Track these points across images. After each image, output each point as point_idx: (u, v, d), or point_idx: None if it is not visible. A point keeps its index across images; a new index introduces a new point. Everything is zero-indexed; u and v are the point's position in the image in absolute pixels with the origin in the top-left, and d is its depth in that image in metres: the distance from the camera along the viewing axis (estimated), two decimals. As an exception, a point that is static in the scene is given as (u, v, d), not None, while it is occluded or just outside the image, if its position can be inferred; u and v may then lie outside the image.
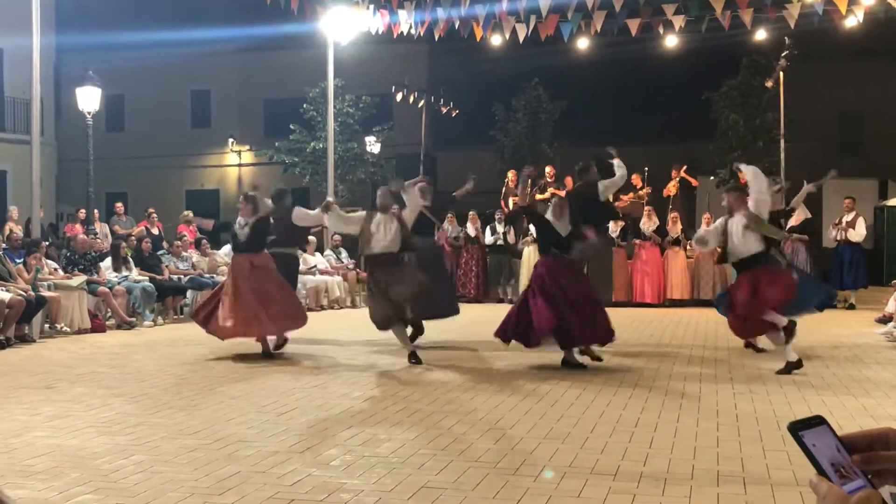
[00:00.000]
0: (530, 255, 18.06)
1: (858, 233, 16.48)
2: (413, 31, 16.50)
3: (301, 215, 11.15)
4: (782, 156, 21.69)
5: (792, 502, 4.64)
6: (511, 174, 20.46)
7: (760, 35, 18.05)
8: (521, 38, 15.80)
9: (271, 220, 10.67)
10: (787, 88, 21.87)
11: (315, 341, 11.58)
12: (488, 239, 18.66)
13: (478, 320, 13.35)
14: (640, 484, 5.00)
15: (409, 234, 10.03)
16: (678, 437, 6.16)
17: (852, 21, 15.29)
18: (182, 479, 5.10)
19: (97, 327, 13.01)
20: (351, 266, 18.54)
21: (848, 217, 16.57)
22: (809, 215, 16.91)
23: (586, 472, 5.23)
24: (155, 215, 18.49)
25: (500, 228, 18.56)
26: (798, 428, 1.19)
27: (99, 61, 23.01)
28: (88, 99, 17.44)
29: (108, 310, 13.65)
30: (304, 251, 16.03)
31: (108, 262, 14.40)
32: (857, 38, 18.11)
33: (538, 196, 19.42)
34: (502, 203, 19.72)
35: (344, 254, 18.82)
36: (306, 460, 5.52)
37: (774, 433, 6.07)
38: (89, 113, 17.38)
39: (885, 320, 12.67)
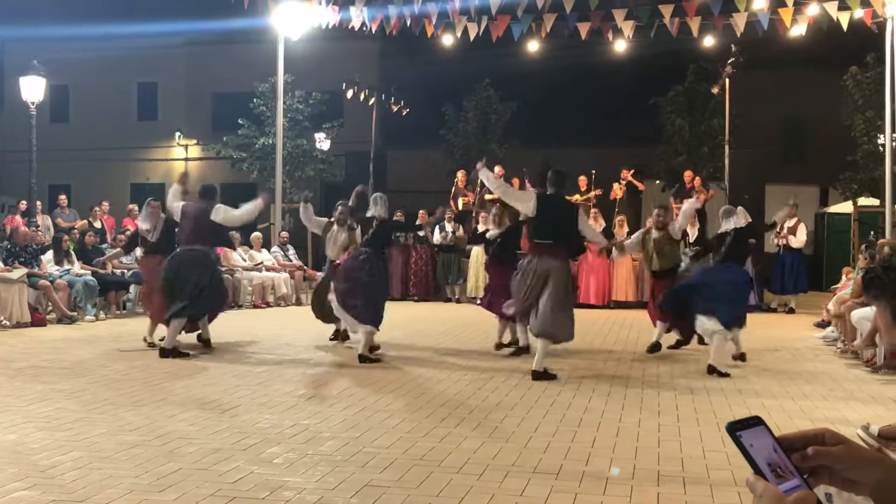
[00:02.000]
0: (478, 255, 18.10)
1: (799, 239, 16.75)
2: (365, 28, 16.46)
3: (231, 217, 10.56)
4: (727, 161, 22.03)
5: (730, 501, 4.72)
6: (461, 174, 20.48)
7: (708, 42, 18.30)
8: (472, 36, 15.84)
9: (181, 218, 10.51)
10: (733, 95, 22.20)
11: (260, 338, 11.50)
12: (436, 238, 18.66)
13: (425, 319, 13.37)
14: (582, 483, 5.05)
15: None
16: (620, 437, 6.22)
17: (797, 31, 15.57)
18: (121, 475, 5.03)
19: (37, 321, 12.77)
20: (298, 263, 18.44)
21: (790, 223, 16.85)
22: (750, 219, 17.16)
23: (529, 472, 5.26)
24: (98, 209, 18.20)
25: (449, 228, 18.56)
26: (736, 428, 1.21)
27: (44, 51, 22.61)
28: (32, 89, 17.10)
29: (49, 304, 13.41)
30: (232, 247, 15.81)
31: (49, 255, 14.15)
32: (802, 47, 18.43)
33: (487, 196, 19.50)
34: (451, 203, 19.73)
35: (291, 251, 18.70)
36: (248, 458, 5.48)
37: (714, 434, 6.16)
38: (33, 103, 17.05)
39: (824, 325, 12.92)
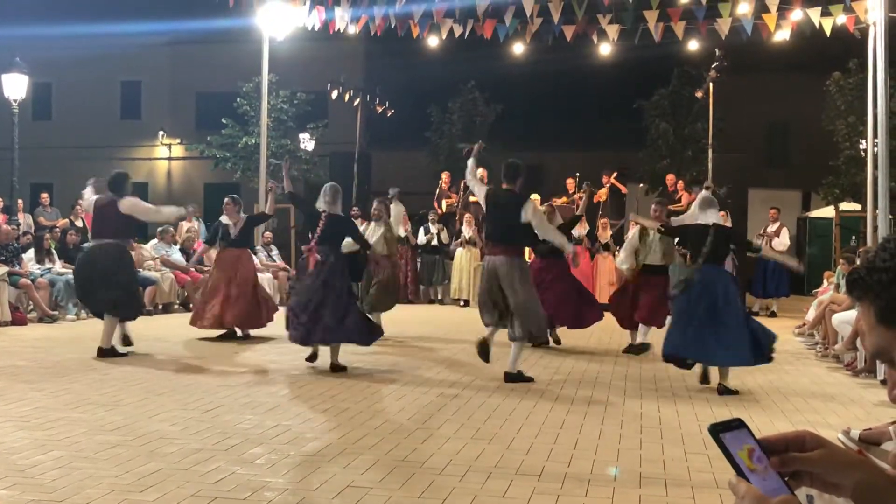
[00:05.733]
0: (462, 257, 18.12)
1: (782, 242, 16.83)
2: (350, 29, 16.44)
3: (141, 210, 10.17)
4: (710, 165, 22.13)
5: (711, 503, 4.74)
6: (445, 175, 20.49)
7: (692, 46, 18.36)
8: (458, 34, 15.85)
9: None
10: (717, 99, 22.31)
11: (243, 338, 11.45)
12: (421, 239, 18.65)
13: (407, 321, 13.35)
14: (564, 484, 5.05)
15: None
16: (602, 439, 6.24)
17: (780, 36, 15.65)
18: (102, 475, 5.01)
19: (18, 320, 12.68)
20: (282, 264, 18.39)
21: (772, 227, 16.92)
22: (730, 224, 17.26)
23: (511, 473, 5.26)
24: (79, 207, 18.08)
25: (433, 229, 18.56)
26: (718, 430, 1.22)
27: (27, 48, 22.40)
28: (15, 86, 16.98)
29: (30, 302, 13.32)
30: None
31: (31, 253, 14.05)
32: (785, 52, 18.52)
33: (472, 198, 19.51)
34: (435, 204, 19.74)
35: (275, 251, 18.63)
36: (230, 458, 5.46)
37: (696, 436, 6.18)
38: (15, 101, 16.94)
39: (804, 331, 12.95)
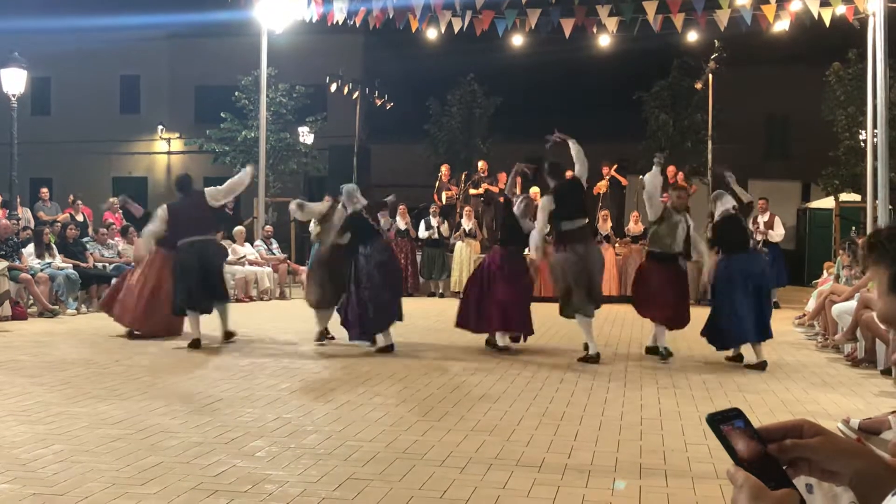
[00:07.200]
0: (462, 250, 18.11)
1: (778, 233, 16.77)
2: (348, 21, 16.43)
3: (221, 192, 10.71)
4: (710, 157, 22.12)
5: (711, 494, 4.74)
6: (444, 168, 20.48)
7: (691, 37, 18.34)
8: (457, 29, 15.84)
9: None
10: (716, 91, 22.29)
11: (243, 333, 11.46)
12: (422, 233, 18.64)
13: (407, 314, 13.34)
14: (565, 475, 5.06)
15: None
16: (602, 430, 6.25)
17: (780, 27, 15.64)
18: (103, 469, 5.01)
19: (18, 315, 12.68)
20: (282, 257, 18.40)
21: (764, 218, 16.82)
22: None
23: (512, 464, 5.27)
24: (80, 202, 18.10)
25: (434, 222, 18.54)
26: (717, 419, 1.21)
27: (26, 43, 22.39)
28: (13, 81, 16.96)
29: (30, 297, 13.32)
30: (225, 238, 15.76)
31: (30, 248, 14.05)
32: (784, 43, 18.49)
33: (472, 191, 19.51)
34: (435, 197, 19.73)
35: (275, 244, 18.64)
36: (231, 451, 5.47)
37: (696, 427, 6.19)
38: (14, 95, 16.92)
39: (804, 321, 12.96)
